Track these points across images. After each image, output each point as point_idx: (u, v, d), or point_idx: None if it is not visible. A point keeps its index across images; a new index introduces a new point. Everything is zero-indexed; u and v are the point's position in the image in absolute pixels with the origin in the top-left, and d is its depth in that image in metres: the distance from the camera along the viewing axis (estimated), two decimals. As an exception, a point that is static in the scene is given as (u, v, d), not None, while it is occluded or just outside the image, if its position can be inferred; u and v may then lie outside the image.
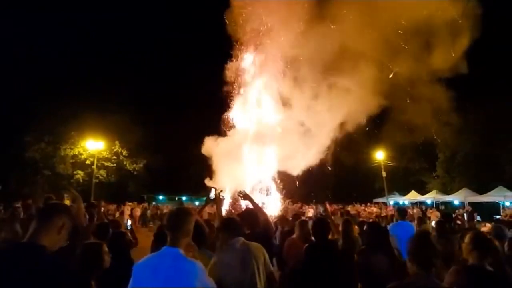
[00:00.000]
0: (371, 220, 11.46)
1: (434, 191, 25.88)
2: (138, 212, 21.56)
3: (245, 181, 11.80)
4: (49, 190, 26.28)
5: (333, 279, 3.09)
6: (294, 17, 11.63)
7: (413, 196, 26.58)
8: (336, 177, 28.56)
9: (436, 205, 24.40)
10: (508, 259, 2.94)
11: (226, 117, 12.77)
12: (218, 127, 12.84)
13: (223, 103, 12.88)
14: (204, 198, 5.76)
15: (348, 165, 27.52)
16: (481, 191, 21.62)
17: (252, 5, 11.93)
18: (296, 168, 12.18)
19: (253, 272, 2.49)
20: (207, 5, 29.55)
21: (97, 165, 27.27)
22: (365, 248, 3.55)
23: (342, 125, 11.78)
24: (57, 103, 26.71)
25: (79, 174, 28.67)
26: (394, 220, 7.24)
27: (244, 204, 10.19)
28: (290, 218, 6.07)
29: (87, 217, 4.22)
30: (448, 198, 24.09)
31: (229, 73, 12.34)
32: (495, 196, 20.58)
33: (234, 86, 12.71)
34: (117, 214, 18.29)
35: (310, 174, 13.38)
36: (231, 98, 12.73)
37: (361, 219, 13.13)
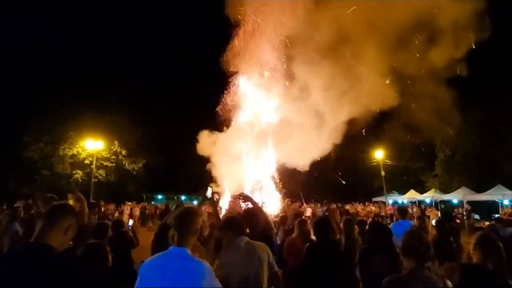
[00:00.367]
0: (370, 219, 11.49)
1: (433, 190, 25.92)
2: (137, 211, 21.61)
3: (244, 180, 11.80)
4: (49, 190, 26.33)
5: (333, 279, 3.09)
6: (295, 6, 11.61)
7: (412, 195, 26.64)
8: (335, 176, 28.59)
9: (435, 204, 24.45)
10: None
11: (224, 113, 12.77)
12: (217, 126, 12.84)
13: (222, 103, 12.88)
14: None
15: (347, 164, 27.55)
16: (480, 189, 21.68)
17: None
18: (296, 165, 12.20)
19: (257, 271, 2.50)
20: (207, 5, 29.46)
21: (96, 165, 27.17)
22: (367, 247, 3.55)
23: (342, 124, 11.79)
24: (56, 103, 26.59)
25: (78, 174, 28.57)
26: (395, 219, 7.28)
27: (244, 204, 10.19)
28: (291, 217, 6.08)
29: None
30: (446, 197, 24.12)
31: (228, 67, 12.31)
32: (494, 194, 20.62)
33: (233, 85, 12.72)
34: (116, 214, 18.29)
35: (309, 174, 13.39)
36: (229, 86, 12.72)
37: (359, 218, 13.16)
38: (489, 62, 21.60)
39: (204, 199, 4.75)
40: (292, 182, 13.77)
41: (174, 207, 4.52)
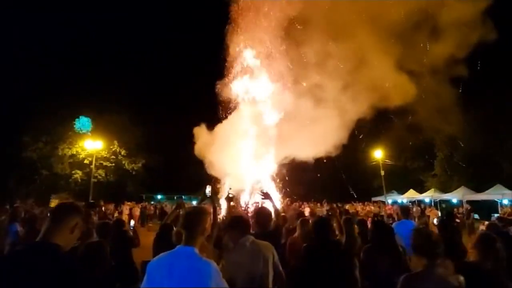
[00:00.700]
0: (369, 219, 11.46)
1: (432, 190, 25.93)
2: (137, 211, 21.57)
3: (244, 179, 11.77)
4: (48, 190, 26.35)
5: (332, 279, 3.08)
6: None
7: (412, 194, 26.67)
8: (335, 176, 28.57)
9: (434, 204, 24.47)
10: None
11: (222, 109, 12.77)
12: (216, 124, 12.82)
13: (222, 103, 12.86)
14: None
15: (347, 164, 27.51)
16: (479, 189, 21.72)
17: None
18: (296, 161, 12.19)
19: (263, 271, 2.49)
20: (207, 5, 29.45)
21: (95, 165, 27.12)
22: (370, 246, 3.54)
23: (342, 124, 11.78)
24: (56, 103, 26.58)
25: (78, 174, 28.51)
26: (397, 219, 7.29)
27: (244, 204, 10.15)
28: (293, 216, 6.05)
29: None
30: (446, 196, 24.16)
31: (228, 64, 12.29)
32: (493, 194, 20.67)
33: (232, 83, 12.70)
34: (116, 214, 18.25)
35: (309, 174, 13.39)
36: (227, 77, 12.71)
37: (359, 217, 13.13)
38: (489, 62, 21.61)
39: (203, 198, 4.74)
40: (292, 181, 13.76)
41: (174, 207, 4.50)
